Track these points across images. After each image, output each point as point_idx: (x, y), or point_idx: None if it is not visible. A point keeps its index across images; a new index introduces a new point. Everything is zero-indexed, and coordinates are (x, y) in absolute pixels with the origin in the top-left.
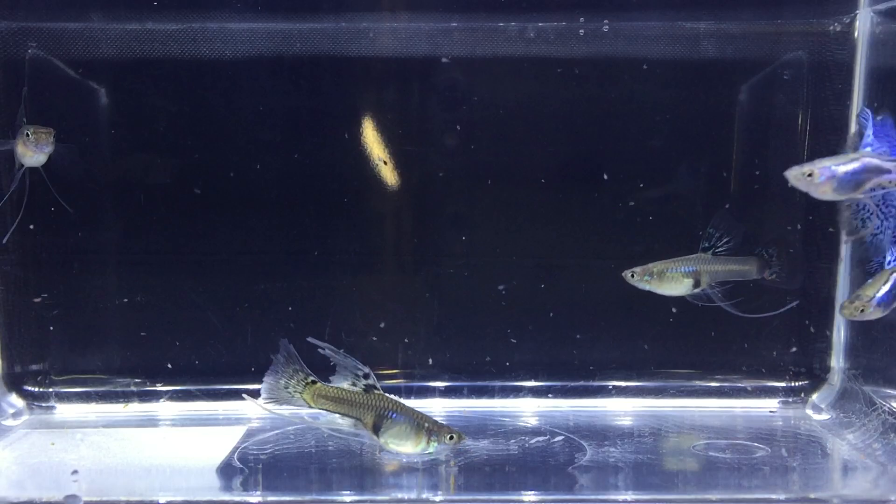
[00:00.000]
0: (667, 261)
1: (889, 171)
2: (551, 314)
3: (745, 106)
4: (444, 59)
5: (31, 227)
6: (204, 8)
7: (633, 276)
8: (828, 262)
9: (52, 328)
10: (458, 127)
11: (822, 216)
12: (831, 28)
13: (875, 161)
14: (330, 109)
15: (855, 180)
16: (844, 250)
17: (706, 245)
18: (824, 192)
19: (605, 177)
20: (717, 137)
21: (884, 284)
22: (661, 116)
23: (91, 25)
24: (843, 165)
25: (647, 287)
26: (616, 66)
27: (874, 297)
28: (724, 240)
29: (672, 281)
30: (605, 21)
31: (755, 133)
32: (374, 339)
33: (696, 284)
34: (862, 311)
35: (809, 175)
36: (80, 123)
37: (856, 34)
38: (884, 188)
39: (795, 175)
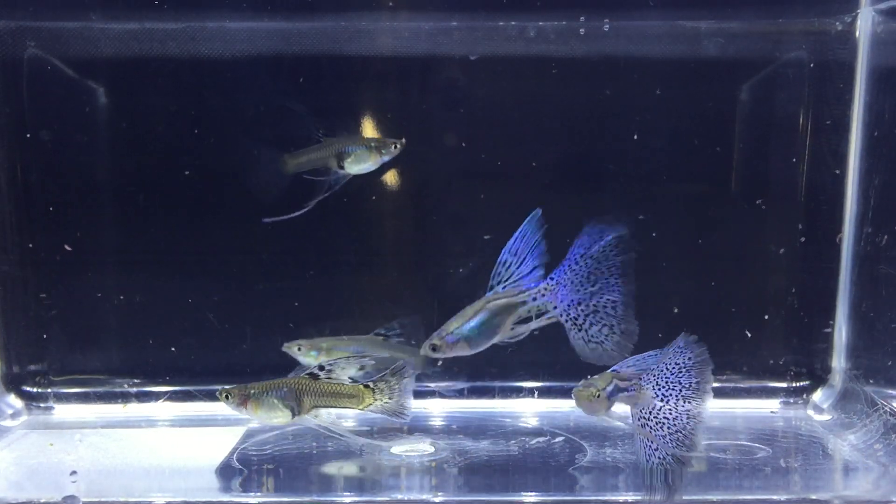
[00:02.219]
0: (332, 338)
1: (524, 302)
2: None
3: (746, 105)
4: (471, 57)
5: (33, 227)
6: (203, 7)
7: (298, 349)
8: (828, 262)
9: (50, 329)
10: (458, 126)
11: (822, 216)
12: (833, 27)
13: (500, 302)
14: (330, 109)
15: (487, 328)
16: (845, 250)
17: (381, 332)
18: (465, 352)
19: (604, 176)
20: (718, 137)
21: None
22: (662, 116)
23: (90, 25)
24: (468, 323)
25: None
26: (617, 66)
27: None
28: (401, 337)
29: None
30: (606, 20)
31: (756, 132)
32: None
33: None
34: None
35: (434, 349)
36: (79, 123)
37: (857, 33)
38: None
39: (426, 350)
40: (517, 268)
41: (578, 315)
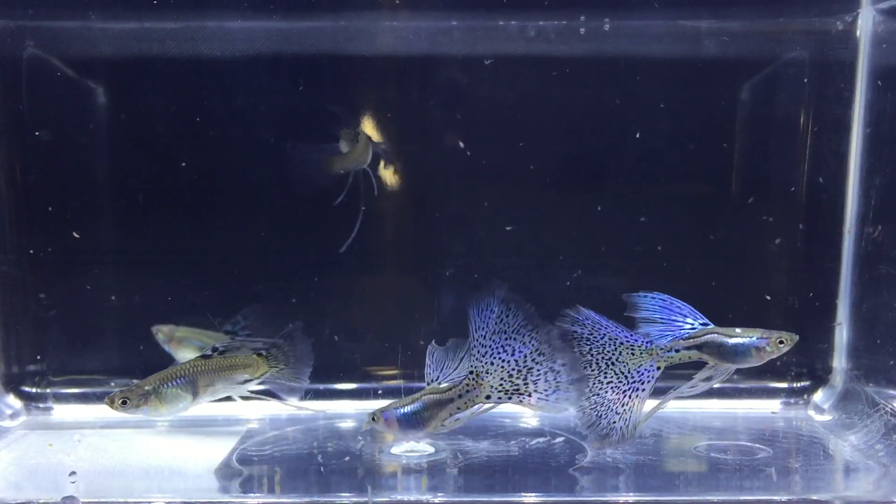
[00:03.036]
0: (191, 330)
1: (450, 400)
2: (551, 314)
3: (747, 105)
4: (486, 62)
5: (33, 226)
6: (203, 7)
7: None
8: (829, 262)
9: (49, 329)
10: (458, 126)
11: (823, 216)
12: (833, 27)
13: (434, 397)
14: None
15: (422, 416)
16: (846, 250)
17: (228, 328)
18: (395, 432)
19: (605, 177)
20: (719, 137)
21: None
22: (663, 116)
23: (89, 24)
24: (403, 408)
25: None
26: (617, 66)
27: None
28: (247, 331)
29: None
30: (606, 20)
31: (757, 132)
32: (374, 339)
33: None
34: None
35: (374, 419)
36: (78, 122)
37: (858, 33)
38: (453, 414)
39: (366, 420)
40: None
41: (518, 386)
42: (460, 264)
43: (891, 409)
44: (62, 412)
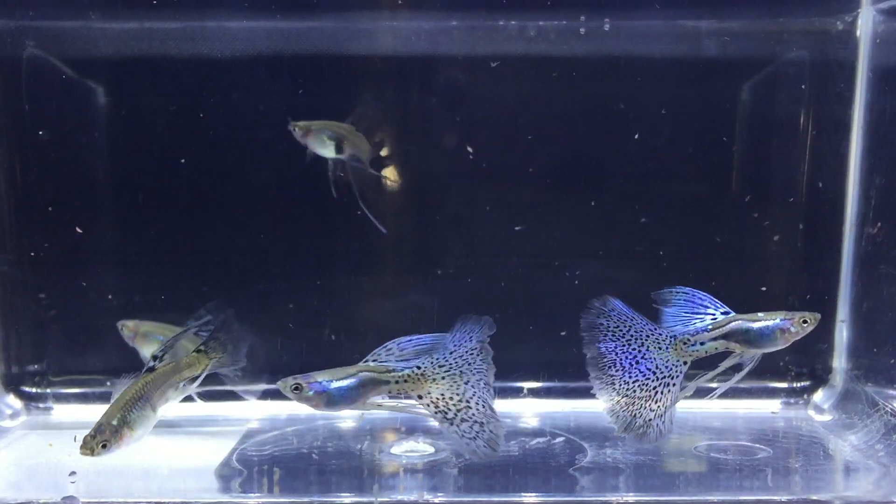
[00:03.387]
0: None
1: (385, 383)
2: (552, 314)
3: (747, 105)
4: (492, 64)
5: (33, 226)
6: (203, 7)
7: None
8: (829, 262)
9: (49, 329)
10: (458, 126)
11: (824, 216)
12: (833, 27)
13: (371, 375)
14: (329, 109)
15: (350, 395)
16: (846, 250)
17: (192, 323)
18: (316, 406)
19: (604, 177)
20: (719, 137)
21: None
22: (662, 116)
23: (89, 24)
24: (336, 381)
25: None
26: (617, 66)
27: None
28: (210, 326)
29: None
30: (606, 20)
31: (757, 132)
32: (374, 339)
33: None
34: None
35: (296, 388)
36: (79, 122)
37: (858, 33)
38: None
39: (282, 386)
40: (395, 361)
41: (449, 409)
42: (460, 264)
43: (891, 409)
44: (62, 412)
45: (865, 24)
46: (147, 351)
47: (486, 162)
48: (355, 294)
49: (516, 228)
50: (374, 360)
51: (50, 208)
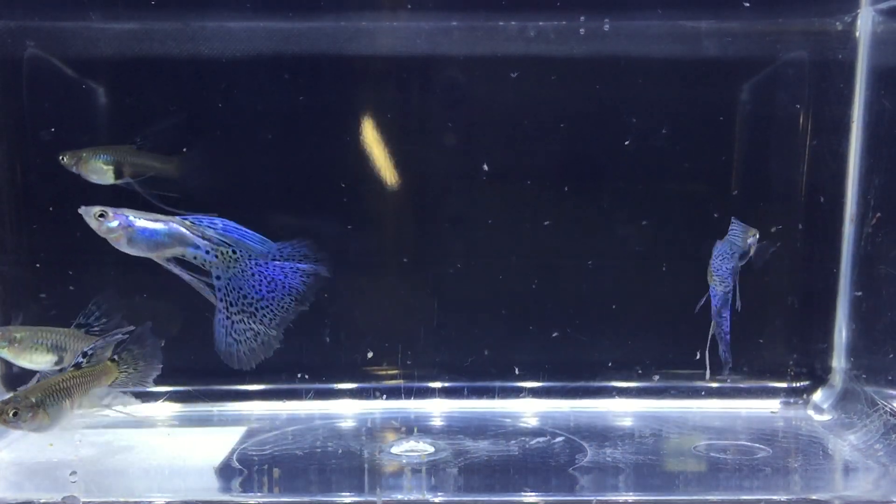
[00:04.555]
0: (29, 328)
1: (197, 247)
2: (551, 314)
3: (746, 105)
4: (512, 75)
5: (33, 227)
6: (203, 7)
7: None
8: (829, 261)
9: None
10: (458, 126)
11: (823, 216)
12: (833, 27)
13: (183, 231)
14: (329, 109)
15: (154, 240)
16: (846, 250)
17: (81, 321)
18: (116, 240)
19: (603, 177)
20: (719, 137)
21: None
22: (662, 116)
23: (89, 24)
24: (144, 221)
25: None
26: (617, 66)
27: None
28: (103, 320)
29: (33, 352)
30: (606, 20)
31: (757, 132)
32: (374, 339)
33: (59, 361)
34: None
35: (101, 215)
36: (79, 122)
37: (857, 33)
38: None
39: (86, 211)
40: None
41: (234, 302)
42: (460, 264)
43: (890, 409)
44: None
45: (865, 24)
46: (24, 361)
47: (486, 162)
48: (355, 294)
49: (523, 227)
50: (195, 222)
51: (50, 208)
